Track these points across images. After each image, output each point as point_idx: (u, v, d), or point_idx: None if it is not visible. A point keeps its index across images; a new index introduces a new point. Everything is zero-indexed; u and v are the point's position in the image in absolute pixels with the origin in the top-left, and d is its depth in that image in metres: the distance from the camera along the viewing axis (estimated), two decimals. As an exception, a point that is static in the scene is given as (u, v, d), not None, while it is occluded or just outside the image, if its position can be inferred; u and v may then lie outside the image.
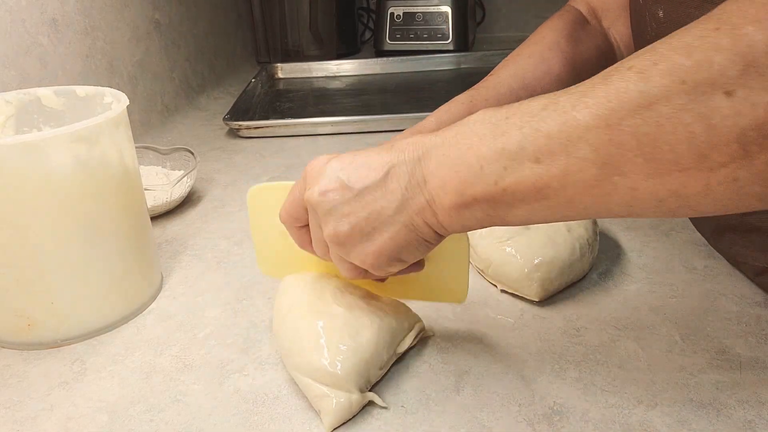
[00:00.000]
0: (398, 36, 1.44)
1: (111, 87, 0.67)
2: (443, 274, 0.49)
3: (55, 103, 0.59)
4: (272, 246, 0.52)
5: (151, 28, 1.08)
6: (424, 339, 0.51)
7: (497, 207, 0.36)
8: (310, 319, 0.46)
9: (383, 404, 0.44)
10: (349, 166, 0.40)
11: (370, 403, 0.45)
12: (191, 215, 0.76)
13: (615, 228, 0.67)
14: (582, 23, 0.66)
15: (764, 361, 0.47)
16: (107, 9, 0.95)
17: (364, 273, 0.44)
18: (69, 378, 0.49)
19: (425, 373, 0.48)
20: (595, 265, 0.61)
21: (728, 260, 0.60)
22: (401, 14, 1.44)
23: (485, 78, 0.63)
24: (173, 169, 0.82)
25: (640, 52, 0.32)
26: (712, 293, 0.56)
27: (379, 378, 0.47)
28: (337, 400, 0.43)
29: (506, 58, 0.65)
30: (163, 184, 0.74)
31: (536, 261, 0.54)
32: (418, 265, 0.46)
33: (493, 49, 1.41)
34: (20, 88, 0.60)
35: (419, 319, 0.50)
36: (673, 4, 0.47)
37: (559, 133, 0.33)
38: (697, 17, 0.32)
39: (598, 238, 0.60)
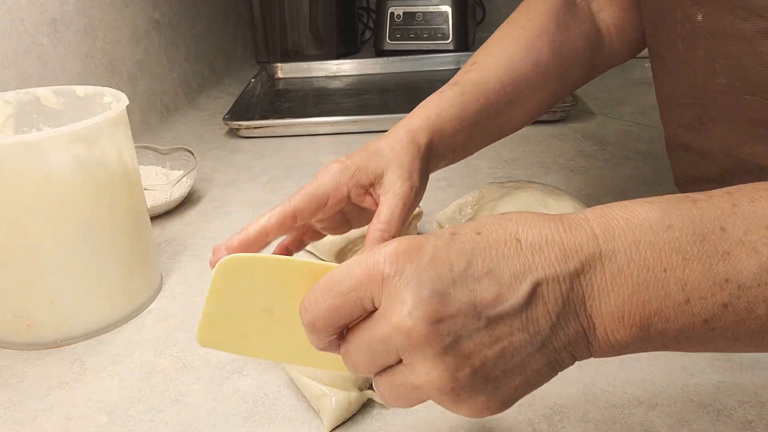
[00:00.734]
0: (398, 36, 1.44)
1: (110, 87, 0.67)
2: None
3: (55, 102, 0.59)
4: (238, 321, 0.40)
5: (150, 28, 1.08)
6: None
7: (690, 341, 0.28)
8: None
9: (381, 401, 0.44)
10: (469, 275, 0.28)
11: (371, 403, 0.45)
12: (191, 215, 0.76)
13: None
14: (569, 5, 0.59)
15: (765, 362, 0.47)
16: (107, 9, 0.95)
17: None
18: (69, 378, 0.49)
19: (425, 374, 0.48)
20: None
21: None
22: (401, 14, 1.44)
23: (470, 66, 0.57)
24: (173, 169, 0.82)
25: None
26: (713, 293, 0.56)
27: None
28: (336, 399, 0.43)
29: (490, 41, 0.58)
30: (162, 184, 0.74)
31: None
32: None
33: (493, 49, 1.41)
34: (20, 88, 0.60)
35: None
36: (716, 9, 0.44)
37: None
38: (743, 29, 0.29)
39: None
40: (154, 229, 0.71)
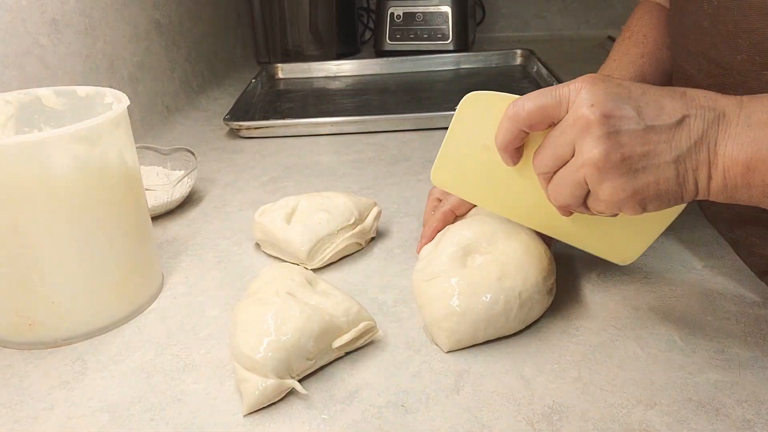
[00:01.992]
0: (398, 36, 1.45)
1: (111, 87, 0.67)
2: (628, 230, 0.49)
3: (56, 103, 0.60)
4: (463, 159, 0.50)
5: (151, 29, 1.09)
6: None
7: None
8: (248, 308, 0.49)
9: (304, 392, 0.45)
10: (639, 97, 0.40)
11: (371, 403, 0.45)
12: (192, 215, 0.76)
13: (614, 228, 0.68)
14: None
15: (763, 361, 0.47)
16: (107, 9, 0.95)
17: (576, 206, 0.43)
18: (70, 378, 0.50)
19: (425, 373, 0.48)
20: (595, 265, 0.61)
21: (738, 251, 0.59)
22: (401, 14, 1.44)
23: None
24: (174, 169, 0.82)
25: None
26: (712, 293, 0.56)
27: (311, 369, 0.47)
28: (254, 384, 0.44)
29: (614, 55, 0.65)
30: (163, 184, 0.74)
31: (447, 310, 0.49)
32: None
33: (493, 49, 1.41)
34: (21, 89, 0.60)
35: (368, 319, 0.50)
36: None
37: None
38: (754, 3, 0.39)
39: (549, 290, 0.53)
40: (155, 229, 0.71)
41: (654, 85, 0.61)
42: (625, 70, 0.64)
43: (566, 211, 0.45)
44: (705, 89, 0.41)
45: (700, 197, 0.40)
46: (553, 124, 0.42)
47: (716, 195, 0.40)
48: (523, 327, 0.52)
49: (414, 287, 0.54)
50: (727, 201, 0.41)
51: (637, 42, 0.66)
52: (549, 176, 0.44)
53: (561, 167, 0.42)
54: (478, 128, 0.48)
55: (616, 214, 0.44)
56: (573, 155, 0.41)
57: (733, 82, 0.50)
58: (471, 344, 0.50)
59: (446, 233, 0.55)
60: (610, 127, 0.39)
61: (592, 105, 0.39)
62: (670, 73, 0.64)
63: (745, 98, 0.39)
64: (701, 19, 0.51)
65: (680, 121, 0.39)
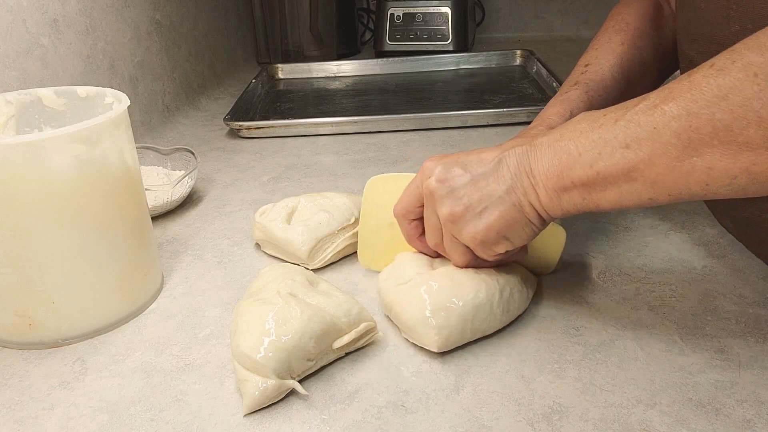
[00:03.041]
0: (398, 37, 1.45)
1: (112, 87, 0.67)
2: (536, 255, 0.57)
3: (56, 103, 0.60)
4: (377, 238, 0.59)
5: (151, 29, 1.09)
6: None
7: (591, 190, 0.43)
8: (249, 308, 0.49)
9: (304, 392, 0.45)
10: (464, 159, 0.49)
11: (371, 403, 0.45)
12: (192, 215, 0.76)
13: (614, 228, 0.68)
14: (657, 8, 0.67)
15: (763, 361, 0.47)
16: (108, 9, 0.95)
17: (474, 259, 0.51)
18: (70, 378, 0.50)
19: (425, 373, 0.48)
20: (595, 265, 0.61)
21: (746, 231, 0.59)
22: (401, 15, 1.44)
23: (583, 68, 0.66)
24: (174, 169, 0.82)
25: (723, 53, 0.38)
26: (712, 293, 0.56)
27: (312, 370, 0.47)
28: (254, 385, 0.44)
29: (595, 46, 0.67)
30: (163, 184, 0.74)
31: (432, 306, 0.49)
32: (522, 252, 0.53)
33: (492, 50, 1.41)
34: (21, 89, 0.61)
35: (369, 319, 0.50)
36: None
37: (647, 122, 0.39)
38: None
39: (525, 278, 0.54)
40: (155, 229, 0.71)
41: (633, 73, 0.65)
42: (605, 60, 0.65)
43: (472, 266, 0.52)
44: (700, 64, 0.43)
45: (543, 216, 0.46)
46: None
47: (551, 209, 0.45)
48: (509, 320, 0.52)
49: (384, 295, 0.53)
50: (563, 214, 0.46)
51: (618, 29, 0.67)
52: (442, 246, 0.52)
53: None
54: (384, 208, 0.56)
55: (502, 258, 0.51)
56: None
57: None
58: (460, 342, 0.49)
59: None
60: (447, 187, 0.48)
61: (429, 177, 0.49)
62: (650, 62, 0.65)
63: (554, 129, 0.46)
64: (697, 1, 0.51)
65: (498, 163, 0.47)
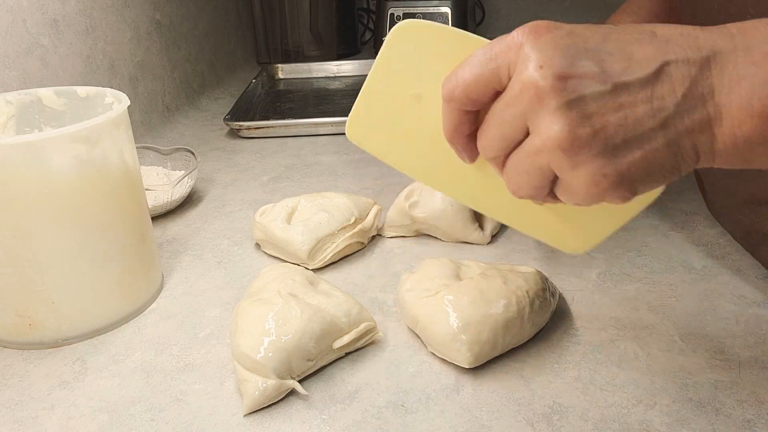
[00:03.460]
0: (398, 36, 1.44)
1: (112, 87, 0.67)
2: (589, 215, 0.38)
3: (56, 103, 0.60)
4: (384, 107, 0.38)
5: (151, 29, 1.09)
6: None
7: None
8: (249, 308, 0.49)
9: (304, 392, 0.45)
10: (601, 45, 0.30)
11: (371, 403, 0.45)
12: (192, 215, 0.76)
13: (614, 228, 0.68)
14: None
15: (763, 361, 0.47)
16: (108, 9, 0.95)
17: (545, 196, 0.34)
18: (70, 378, 0.50)
19: (425, 373, 0.48)
20: (595, 265, 0.61)
21: (746, 236, 0.59)
22: (401, 15, 1.44)
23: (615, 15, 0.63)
24: (174, 169, 0.82)
25: None
26: (712, 293, 0.56)
27: (312, 370, 0.47)
28: (254, 385, 0.44)
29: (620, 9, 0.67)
30: (163, 184, 0.74)
31: (462, 321, 0.47)
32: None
33: (493, 50, 1.41)
34: (21, 89, 0.61)
35: (369, 320, 0.50)
36: None
37: None
38: None
39: (552, 291, 0.53)
40: (155, 229, 0.71)
41: None
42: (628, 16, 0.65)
43: (532, 199, 0.35)
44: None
45: (702, 165, 0.31)
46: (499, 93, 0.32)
47: (726, 159, 0.31)
48: (535, 332, 0.50)
49: (409, 309, 0.51)
50: (741, 165, 0.32)
51: (631, 11, 0.66)
52: (501, 160, 0.34)
53: (514, 149, 0.33)
54: (409, 70, 0.36)
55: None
56: (527, 134, 0.31)
57: None
58: (491, 356, 0.47)
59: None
60: (569, 93, 0.29)
61: (540, 66, 0.29)
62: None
63: (732, 27, 0.31)
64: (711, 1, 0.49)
65: (659, 72, 0.30)
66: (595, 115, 0.29)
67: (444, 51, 0.34)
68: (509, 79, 0.31)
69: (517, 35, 0.31)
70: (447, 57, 0.34)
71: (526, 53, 0.30)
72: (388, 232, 0.68)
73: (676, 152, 0.30)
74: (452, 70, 0.33)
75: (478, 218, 0.66)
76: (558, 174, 0.31)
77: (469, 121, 0.34)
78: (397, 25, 0.37)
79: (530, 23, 0.31)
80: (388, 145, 0.39)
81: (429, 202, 0.65)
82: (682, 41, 0.30)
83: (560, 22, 0.32)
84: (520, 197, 0.34)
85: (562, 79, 0.29)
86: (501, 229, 0.68)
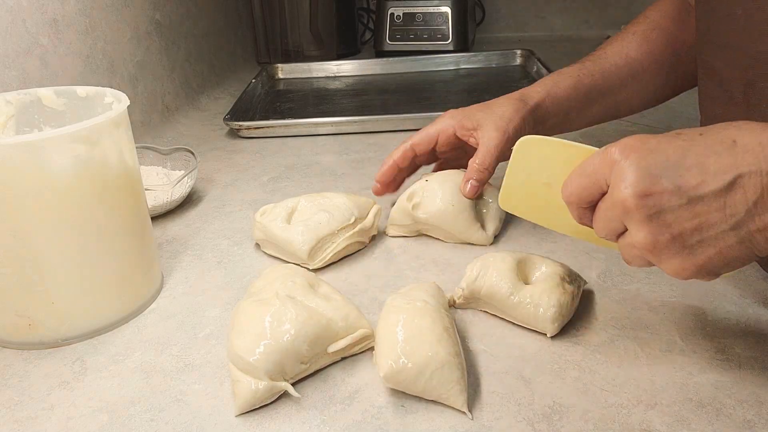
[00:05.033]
0: (398, 36, 1.45)
1: (111, 87, 0.67)
2: None
3: (56, 103, 0.60)
4: (526, 189, 0.51)
5: (151, 29, 1.09)
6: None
7: None
8: (246, 309, 0.49)
9: (296, 395, 0.45)
10: (678, 162, 0.36)
11: (371, 404, 0.45)
12: (191, 215, 0.76)
13: (615, 228, 0.68)
14: (688, 9, 0.67)
15: (763, 361, 0.47)
16: (108, 9, 0.95)
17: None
18: (69, 378, 0.50)
19: (425, 373, 0.48)
20: (595, 265, 0.61)
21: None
22: (401, 15, 1.44)
23: (592, 53, 0.69)
24: (174, 169, 0.82)
25: None
26: (712, 293, 0.56)
27: (306, 373, 0.47)
28: (246, 386, 0.44)
29: (613, 36, 0.70)
30: (163, 184, 0.74)
31: (553, 306, 0.50)
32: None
33: (493, 49, 1.41)
34: (21, 89, 0.60)
35: (365, 326, 0.49)
36: None
37: None
38: None
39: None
40: (154, 229, 0.71)
41: (637, 61, 0.67)
42: (611, 48, 0.69)
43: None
44: (731, 83, 0.39)
45: None
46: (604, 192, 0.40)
47: None
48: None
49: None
50: None
51: (637, 22, 0.70)
52: (615, 238, 0.42)
53: (620, 234, 0.40)
54: (537, 168, 0.49)
55: None
56: (626, 228, 0.39)
57: (762, 73, 0.49)
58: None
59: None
60: (650, 208, 0.36)
61: (626, 187, 0.37)
62: (659, 54, 0.68)
63: None
64: (734, 8, 0.50)
65: (732, 184, 0.34)
66: (673, 224, 0.36)
67: (559, 155, 0.46)
68: (608, 186, 0.39)
69: (612, 153, 0.38)
70: (562, 160, 0.46)
71: (617, 173, 0.38)
72: (391, 231, 0.68)
73: (749, 246, 0.36)
74: (567, 177, 0.42)
75: (480, 219, 0.66)
76: (655, 264, 0.39)
77: (590, 213, 0.42)
78: (518, 142, 0.50)
79: (623, 141, 0.38)
80: (530, 211, 0.53)
81: (431, 203, 0.65)
82: (759, 153, 0.34)
83: (649, 136, 0.38)
84: (630, 264, 0.42)
85: (643, 197, 0.36)
86: (502, 229, 0.68)
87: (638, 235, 0.37)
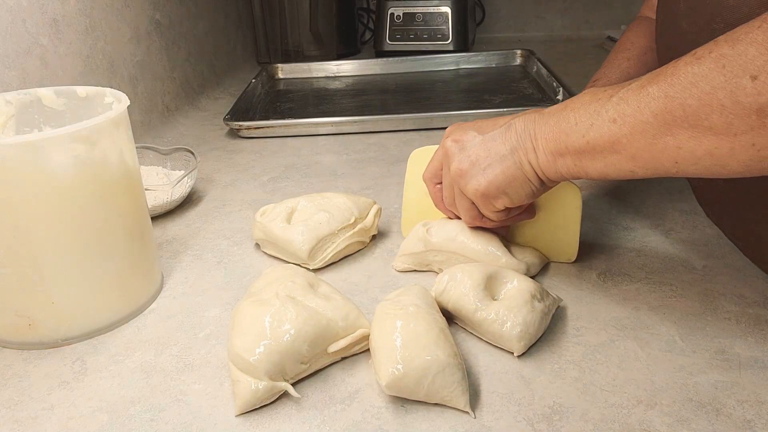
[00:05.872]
0: (398, 36, 1.45)
1: (111, 87, 0.67)
2: (554, 230, 0.60)
3: (56, 103, 0.60)
4: (417, 207, 0.65)
5: (151, 29, 1.09)
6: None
7: (582, 157, 0.47)
8: (246, 309, 0.49)
9: (296, 395, 0.45)
10: (480, 123, 0.55)
11: (371, 404, 0.45)
12: (191, 215, 0.76)
13: (615, 228, 0.68)
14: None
15: (763, 361, 0.47)
16: (108, 9, 0.95)
17: (478, 216, 0.56)
18: (69, 378, 0.50)
19: (425, 373, 0.48)
20: (595, 265, 0.61)
21: (746, 248, 0.59)
22: (401, 15, 1.44)
23: (592, 83, 0.72)
24: (174, 169, 0.82)
25: (707, 43, 0.40)
26: (712, 293, 0.56)
27: (306, 373, 0.47)
28: (246, 386, 0.44)
29: (604, 65, 0.73)
30: (163, 184, 0.74)
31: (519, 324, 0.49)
32: (529, 212, 0.58)
33: (493, 50, 1.41)
34: (21, 89, 0.60)
35: (366, 326, 0.49)
36: None
37: (633, 100, 0.43)
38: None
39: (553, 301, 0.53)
40: (154, 229, 0.71)
41: None
42: (611, 72, 0.71)
43: (478, 223, 0.57)
44: (698, 36, 0.44)
45: (541, 176, 0.50)
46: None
47: (547, 171, 0.49)
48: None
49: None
50: (558, 177, 0.50)
51: (623, 49, 0.73)
52: (455, 205, 0.57)
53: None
54: (422, 172, 0.61)
55: (507, 226, 0.60)
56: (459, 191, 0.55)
57: (726, 21, 0.50)
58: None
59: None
60: (459, 146, 0.54)
61: (447, 137, 0.55)
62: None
63: (564, 101, 0.50)
64: (679, 20, 0.52)
65: (508, 126, 0.52)
66: (472, 154, 0.53)
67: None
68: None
69: (446, 140, 0.56)
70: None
71: (445, 136, 0.56)
72: (398, 262, 0.62)
73: (519, 167, 0.50)
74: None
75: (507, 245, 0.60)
76: (463, 191, 0.54)
77: (441, 191, 0.59)
78: (411, 155, 0.66)
79: (454, 124, 0.57)
80: (428, 210, 0.64)
81: (445, 225, 0.60)
82: (527, 113, 0.52)
83: (467, 123, 0.57)
84: (468, 221, 0.57)
85: (456, 140, 0.54)
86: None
87: (452, 164, 0.53)
